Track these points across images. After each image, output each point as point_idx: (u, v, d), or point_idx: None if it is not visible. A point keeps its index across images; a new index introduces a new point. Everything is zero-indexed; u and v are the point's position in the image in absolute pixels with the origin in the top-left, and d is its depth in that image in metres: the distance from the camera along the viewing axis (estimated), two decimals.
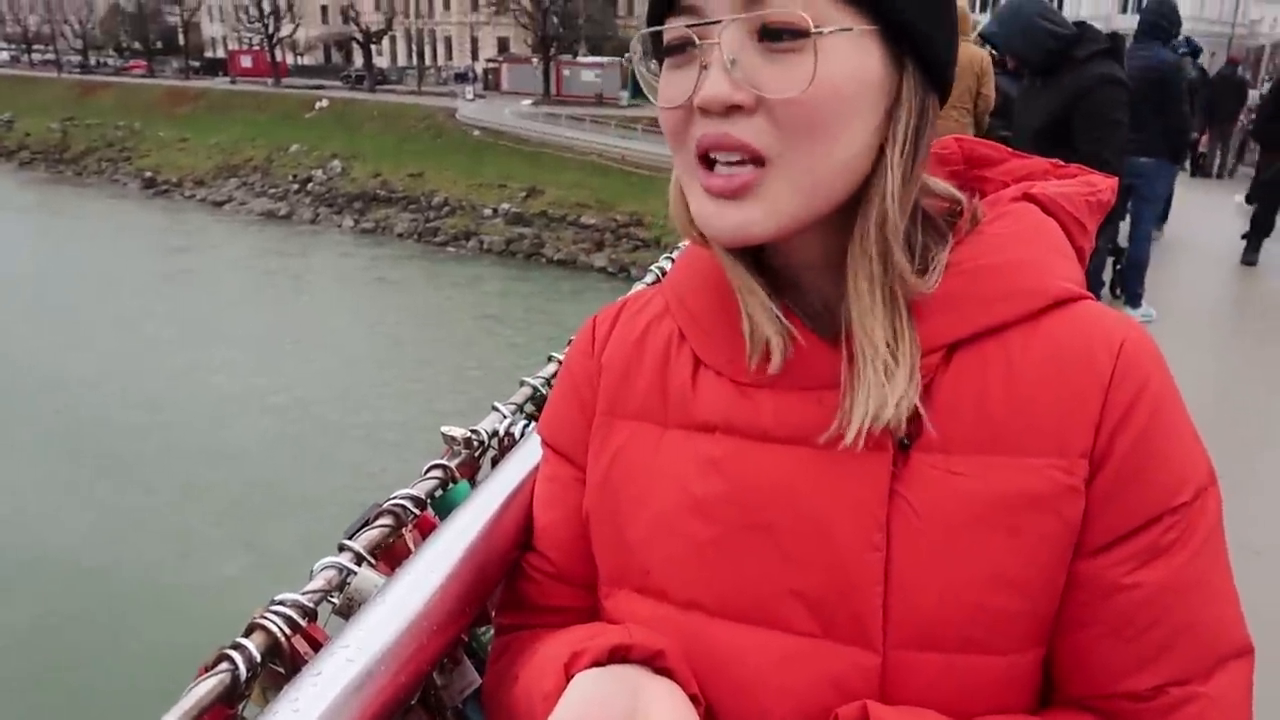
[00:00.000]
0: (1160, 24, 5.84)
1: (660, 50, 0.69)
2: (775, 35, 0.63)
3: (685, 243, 0.82)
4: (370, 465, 15.30)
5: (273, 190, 42.48)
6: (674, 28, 0.66)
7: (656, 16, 0.68)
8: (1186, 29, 7.24)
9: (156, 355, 21.40)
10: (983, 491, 0.65)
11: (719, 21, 0.63)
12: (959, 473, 0.66)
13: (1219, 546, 0.67)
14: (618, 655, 0.68)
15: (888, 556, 0.65)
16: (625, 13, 66.08)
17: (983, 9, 45.20)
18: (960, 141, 0.80)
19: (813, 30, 0.62)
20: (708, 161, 0.66)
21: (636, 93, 49.78)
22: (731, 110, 0.63)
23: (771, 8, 0.62)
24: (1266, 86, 13.05)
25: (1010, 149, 0.81)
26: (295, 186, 41.99)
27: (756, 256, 0.73)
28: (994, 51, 4.68)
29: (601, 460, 0.79)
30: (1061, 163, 0.80)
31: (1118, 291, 6.49)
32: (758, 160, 0.64)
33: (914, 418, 0.67)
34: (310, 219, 39.26)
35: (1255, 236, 7.87)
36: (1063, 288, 0.70)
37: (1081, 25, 4.31)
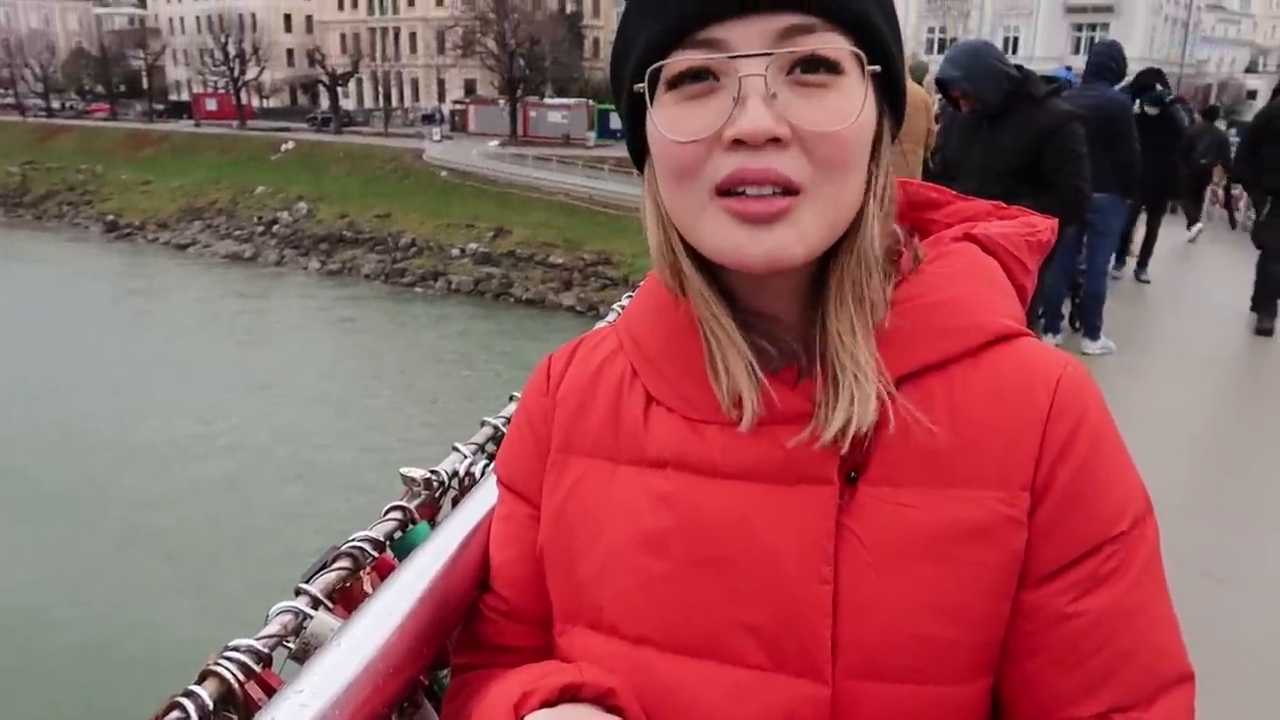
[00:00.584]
0: (1109, 65, 6.06)
1: (653, 84, 0.68)
2: (812, 69, 0.64)
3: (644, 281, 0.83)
4: (331, 507, 15.13)
5: (238, 232, 42.20)
6: (694, 59, 0.65)
7: (662, 49, 0.66)
8: (1136, 69, 7.46)
9: (115, 399, 21.08)
10: (928, 523, 0.67)
11: (768, 54, 0.63)
12: (906, 504, 0.67)
13: (1158, 574, 0.69)
14: (568, 694, 0.68)
15: (836, 589, 0.66)
16: (591, 55, 66.92)
17: (940, 50, 46.28)
18: (904, 185, 0.81)
19: (867, 68, 0.66)
20: (730, 192, 0.66)
21: (603, 133, 50.37)
22: (767, 143, 0.64)
23: (802, 45, 0.64)
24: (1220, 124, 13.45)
25: (954, 192, 0.83)
26: (261, 228, 41.76)
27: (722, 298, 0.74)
28: (949, 95, 4.57)
29: (556, 497, 0.80)
30: (1003, 204, 0.83)
31: (1077, 325, 6.61)
32: (791, 190, 0.65)
33: (862, 451, 0.69)
34: (276, 261, 39.03)
35: (1266, 299, 6.90)
36: (1002, 324, 0.72)
37: (1020, 68, 4.47)
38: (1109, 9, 50.48)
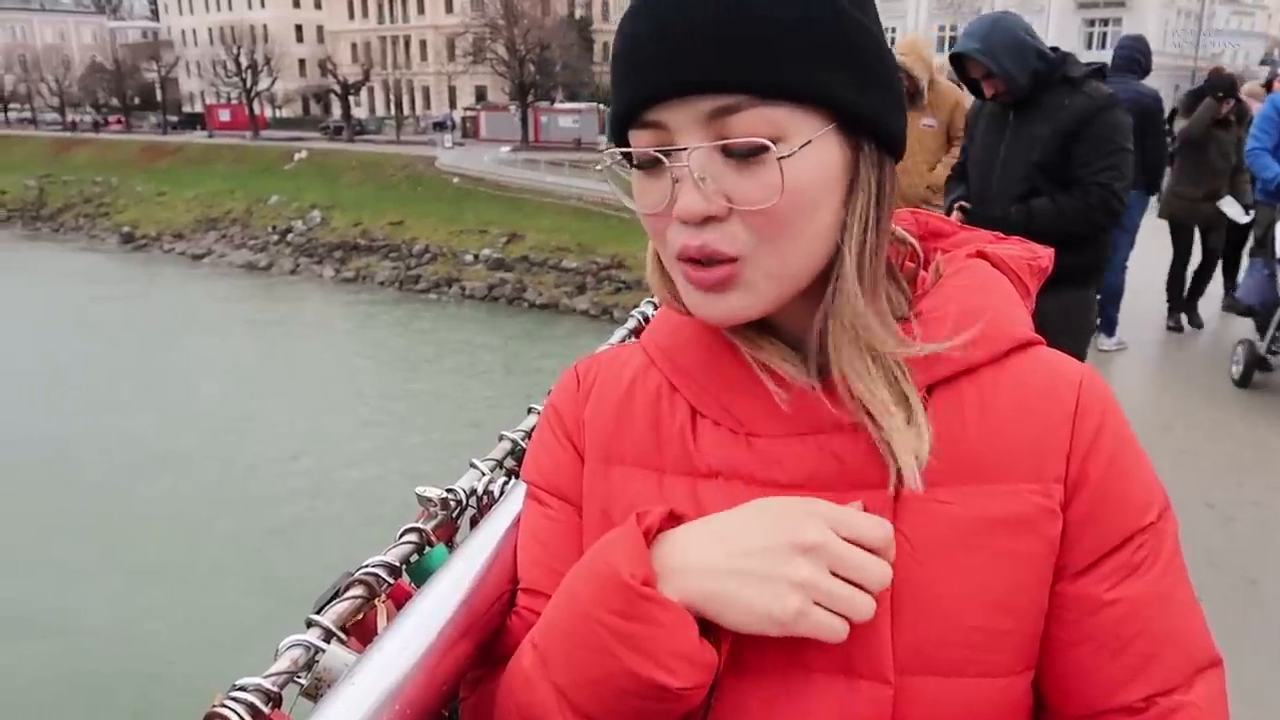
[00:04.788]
0: (1137, 58, 5.90)
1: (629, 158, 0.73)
2: (742, 149, 0.67)
3: None
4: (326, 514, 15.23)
5: (252, 242, 42.40)
6: (641, 149, 0.70)
7: (621, 130, 0.73)
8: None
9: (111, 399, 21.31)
10: (969, 518, 0.70)
11: (683, 149, 0.68)
12: (945, 502, 0.70)
13: (1181, 563, 0.73)
14: (673, 521, 0.71)
15: (892, 588, 0.68)
16: (601, 59, 66.98)
17: (950, 48, 45.98)
18: (915, 214, 0.86)
19: (777, 156, 0.67)
20: (684, 258, 0.72)
21: None
22: (707, 220, 0.68)
23: (734, 127, 0.67)
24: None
25: (959, 223, 0.88)
26: (275, 238, 41.94)
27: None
28: (966, 75, 3.64)
29: (597, 505, 0.80)
30: (1002, 235, 0.87)
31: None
32: (731, 258, 0.69)
33: None
34: (291, 269, 39.21)
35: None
36: (1024, 332, 0.77)
37: (1056, 48, 3.58)
38: (1121, 3, 50.15)
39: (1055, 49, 3.49)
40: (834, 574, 0.65)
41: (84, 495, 16.47)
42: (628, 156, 0.72)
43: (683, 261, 0.71)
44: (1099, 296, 6.34)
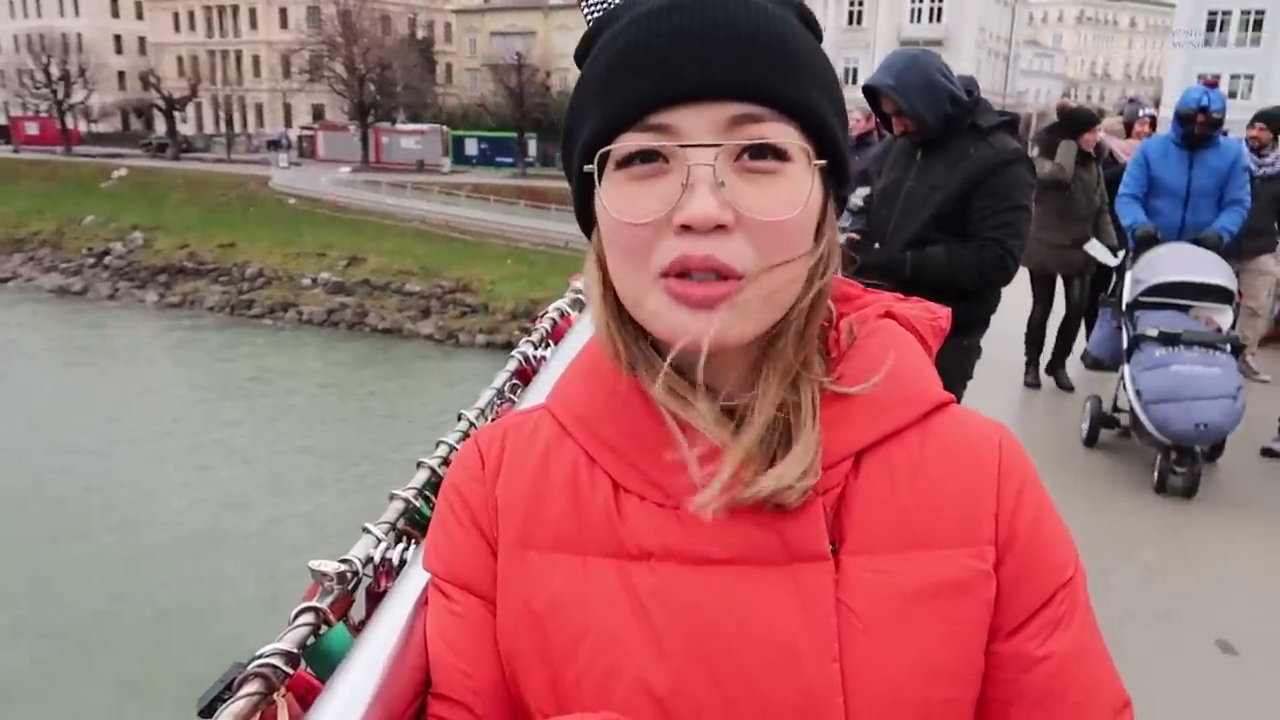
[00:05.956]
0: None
1: (602, 162, 0.68)
2: (760, 155, 0.66)
3: (558, 350, 0.77)
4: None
5: (65, 265, 39.55)
6: (644, 142, 0.66)
7: (612, 132, 0.67)
8: None
9: None
10: (911, 586, 0.68)
11: (716, 145, 0.65)
12: (886, 570, 0.69)
13: (1092, 614, 0.75)
14: None
15: (841, 663, 0.66)
16: (444, 80, 66.13)
17: None
18: None
19: (801, 168, 0.67)
20: (676, 273, 0.67)
21: (459, 159, 49.68)
22: (713, 229, 0.65)
23: (751, 134, 0.66)
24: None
25: (863, 285, 0.85)
26: (91, 260, 39.28)
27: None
28: (878, 108, 3.46)
29: (517, 596, 0.72)
30: (903, 296, 0.86)
31: None
32: (735, 275, 0.66)
33: (836, 522, 0.70)
34: (109, 294, 36.77)
35: None
36: (940, 393, 0.77)
37: (970, 91, 3.46)
38: (939, 43, 53.48)
39: (970, 93, 3.40)
40: None
41: None
42: (635, 155, 0.67)
43: (668, 278, 0.66)
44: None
